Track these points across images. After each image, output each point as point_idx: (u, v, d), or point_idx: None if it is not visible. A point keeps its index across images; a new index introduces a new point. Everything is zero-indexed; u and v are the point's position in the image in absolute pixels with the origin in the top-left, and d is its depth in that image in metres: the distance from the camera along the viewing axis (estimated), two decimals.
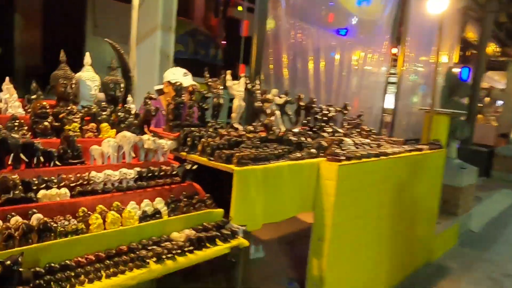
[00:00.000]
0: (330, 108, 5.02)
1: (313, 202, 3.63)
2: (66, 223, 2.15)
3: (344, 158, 3.65)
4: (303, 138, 3.79)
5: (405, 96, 10.33)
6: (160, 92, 4.46)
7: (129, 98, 3.49)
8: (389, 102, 10.13)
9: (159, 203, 2.77)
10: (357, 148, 4.24)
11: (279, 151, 3.39)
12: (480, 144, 13.86)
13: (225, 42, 12.80)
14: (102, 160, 2.85)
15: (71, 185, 2.46)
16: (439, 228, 6.35)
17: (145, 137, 3.04)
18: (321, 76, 7.91)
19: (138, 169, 2.85)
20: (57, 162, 2.58)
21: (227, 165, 2.98)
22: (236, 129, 3.82)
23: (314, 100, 4.70)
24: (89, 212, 2.32)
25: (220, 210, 2.91)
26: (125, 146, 2.92)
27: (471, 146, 12.30)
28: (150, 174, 2.87)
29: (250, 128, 3.95)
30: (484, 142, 14.48)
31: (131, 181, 2.78)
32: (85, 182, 2.52)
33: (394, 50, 9.98)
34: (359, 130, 5.22)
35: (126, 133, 2.95)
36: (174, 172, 3.00)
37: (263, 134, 3.82)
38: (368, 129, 5.30)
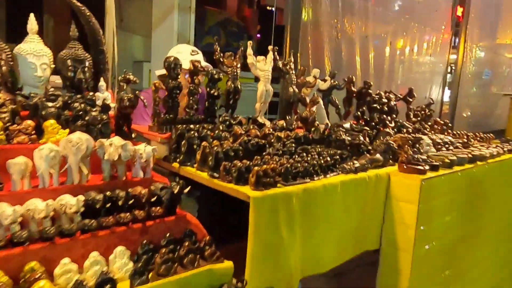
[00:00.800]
0: (391, 96, 3.62)
1: (379, 236, 2.29)
2: None
3: (428, 167, 2.28)
4: (361, 138, 2.43)
5: (467, 84, 8.66)
6: (162, 78, 3.22)
7: (102, 83, 2.28)
8: (446, 91, 8.56)
9: (120, 258, 1.55)
10: (438, 149, 2.83)
11: (326, 159, 2.07)
12: None
13: (259, 33, 11.68)
14: (30, 182, 1.66)
15: None
16: None
17: (107, 141, 1.81)
18: (369, 66, 6.46)
19: (92, 194, 1.64)
20: None
21: (239, 187, 1.70)
22: (262, 125, 2.53)
23: (369, 84, 3.32)
24: None
25: (228, 265, 1.65)
26: (70, 157, 1.70)
27: None
28: (108, 205, 1.64)
29: (282, 123, 2.65)
30: None
31: (75, 217, 1.57)
32: None
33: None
34: (430, 123, 3.78)
35: (72, 137, 1.74)
36: (153, 200, 1.75)
37: (301, 132, 2.50)
38: (442, 121, 3.85)
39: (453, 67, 8.46)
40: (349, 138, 2.44)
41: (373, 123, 3.15)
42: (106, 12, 2.41)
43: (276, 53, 2.78)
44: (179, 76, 2.30)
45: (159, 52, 5.31)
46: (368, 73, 6.22)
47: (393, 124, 3.34)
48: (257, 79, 2.73)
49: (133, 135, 2.19)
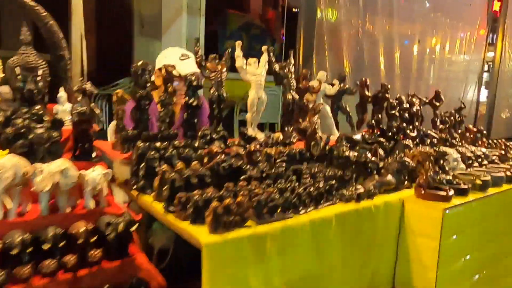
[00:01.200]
0: (414, 100, 3.11)
1: (391, 276, 1.82)
2: None
3: (453, 192, 1.79)
4: (368, 155, 1.97)
5: (506, 83, 7.88)
6: (153, 86, 2.86)
7: (61, 93, 1.94)
8: (483, 91, 7.85)
9: None
10: (469, 165, 2.32)
11: (319, 184, 1.63)
12: None
13: (283, 36, 11.27)
14: None
15: None
16: None
17: (40, 166, 1.45)
18: (395, 67, 5.90)
19: (15, 235, 1.29)
20: None
21: (194, 227, 1.30)
22: (251, 139, 2.11)
23: (386, 87, 2.84)
24: None
25: None
26: None
27: None
28: (29, 249, 1.28)
29: (278, 137, 2.23)
30: None
31: None
32: None
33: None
34: (461, 131, 3.24)
35: None
36: (92, 240, 1.37)
37: (300, 147, 2.06)
38: (476, 129, 3.30)
39: (491, 65, 7.72)
40: (355, 154, 1.99)
41: (390, 133, 2.66)
42: (72, 13, 2.08)
43: (271, 54, 2.36)
44: (149, 85, 1.92)
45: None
46: (394, 74, 5.66)
47: (415, 133, 2.84)
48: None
49: (93, 155, 1.83)
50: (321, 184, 1.64)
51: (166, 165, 1.56)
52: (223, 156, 1.73)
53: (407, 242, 1.77)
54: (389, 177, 1.86)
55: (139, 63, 1.90)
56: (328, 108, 2.66)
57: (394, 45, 5.81)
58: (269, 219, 1.38)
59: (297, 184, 1.60)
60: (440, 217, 1.67)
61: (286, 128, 2.42)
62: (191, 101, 2.04)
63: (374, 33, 5.51)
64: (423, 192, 1.77)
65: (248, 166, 1.72)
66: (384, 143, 2.52)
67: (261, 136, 2.26)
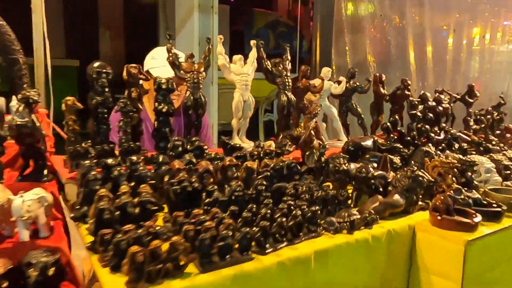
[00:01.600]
0: (442, 96, 2.65)
1: None
2: None
3: (479, 219, 1.36)
4: (370, 168, 1.57)
5: None
6: (142, 91, 2.57)
7: (13, 102, 1.68)
8: None
9: None
10: (506, 177, 1.86)
11: (297, 212, 1.26)
12: None
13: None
14: None
15: None
16: None
17: None
18: (427, 60, 5.33)
19: None
20: None
21: (113, 277, 0.97)
22: (235, 149, 1.77)
23: (406, 82, 2.40)
24: None
25: None
26: None
27: None
28: None
29: (269, 146, 1.87)
30: None
31: None
32: None
33: None
34: (500, 132, 2.73)
35: None
36: (5, 285, 1.08)
37: (291, 158, 1.69)
38: None
39: None
40: (357, 167, 1.59)
41: (410, 137, 2.23)
42: (32, 11, 1.82)
43: (261, 49, 2.00)
44: (107, 90, 1.62)
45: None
46: (426, 68, 5.11)
47: (441, 136, 2.38)
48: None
49: (45, 172, 1.56)
50: (304, 209, 1.27)
51: (105, 189, 1.24)
52: (185, 174, 1.41)
53: (419, 282, 1.36)
54: (397, 196, 1.46)
55: (95, 64, 1.61)
56: (334, 110, 2.26)
57: (425, 36, 5.26)
58: (218, 264, 1.03)
59: (266, 212, 1.24)
60: (462, 251, 1.26)
61: (280, 136, 2.06)
62: (160, 107, 1.72)
63: (402, 24, 4.99)
64: (439, 217, 1.35)
65: (213, 187, 1.38)
66: (401, 150, 2.11)
67: (248, 145, 1.91)
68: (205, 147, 1.76)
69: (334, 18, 4.16)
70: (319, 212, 1.29)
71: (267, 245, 1.14)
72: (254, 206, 1.30)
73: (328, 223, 1.30)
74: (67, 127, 1.58)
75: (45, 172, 1.58)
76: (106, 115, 1.63)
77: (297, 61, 6.34)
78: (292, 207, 1.29)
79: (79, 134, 1.59)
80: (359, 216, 1.32)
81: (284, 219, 1.20)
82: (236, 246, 1.08)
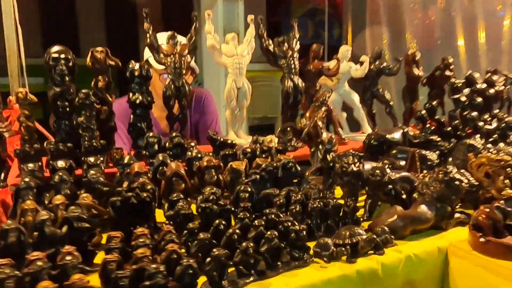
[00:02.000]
0: (495, 78, 2.15)
1: None
2: None
3: None
4: (388, 171, 1.18)
5: None
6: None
7: None
8: None
9: None
10: None
11: (288, 225, 0.92)
12: None
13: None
14: None
15: None
16: None
17: None
18: (478, 41, 4.67)
19: None
20: None
21: None
22: (226, 146, 1.45)
23: (447, 61, 1.95)
24: None
25: None
26: None
27: None
28: None
29: (269, 141, 1.54)
30: None
31: None
32: None
33: None
34: None
35: None
36: None
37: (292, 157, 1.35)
38: None
39: None
40: (368, 167, 1.22)
41: (451, 127, 1.79)
42: (2, 9, 1.61)
43: (261, 25, 1.66)
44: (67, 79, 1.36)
45: (206, 50, 4.46)
46: (477, 50, 4.47)
47: (492, 126, 1.91)
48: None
49: (1, 177, 1.34)
50: (287, 227, 0.92)
51: (30, 200, 0.97)
52: (146, 180, 1.11)
53: None
54: (423, 207, 1.07)
55: (52, 49, 1.34)
56: (356, 97, 1.87)
57: (476, 15, 4.61)
58: None
59: (235, 235, 0.91)
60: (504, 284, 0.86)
61: (287, 128, 1.70)
62: (134, 97, 1.44)
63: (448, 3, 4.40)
64: (483, 239, 0.95)
65: (177, 196, 1.07)
66: (439, 143, 1.68)
67: (245, 141, 1.58)
68: (192, 144, 1.47)
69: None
70: (304, 232, 0.93)
71: (224, 283, 0.81)
72: (223, 222, 0.98)
73: (321, 246, 0.94)
74: (19, 124, 1.33)
75: (2, 176, 1.36)
76: (67, 109, 1.37)
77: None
78: (273, 224, 0.95)
79: (35, 131, 1.34)
80: (365, 236, 0.96)
81: (251, 244, 0.86)
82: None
